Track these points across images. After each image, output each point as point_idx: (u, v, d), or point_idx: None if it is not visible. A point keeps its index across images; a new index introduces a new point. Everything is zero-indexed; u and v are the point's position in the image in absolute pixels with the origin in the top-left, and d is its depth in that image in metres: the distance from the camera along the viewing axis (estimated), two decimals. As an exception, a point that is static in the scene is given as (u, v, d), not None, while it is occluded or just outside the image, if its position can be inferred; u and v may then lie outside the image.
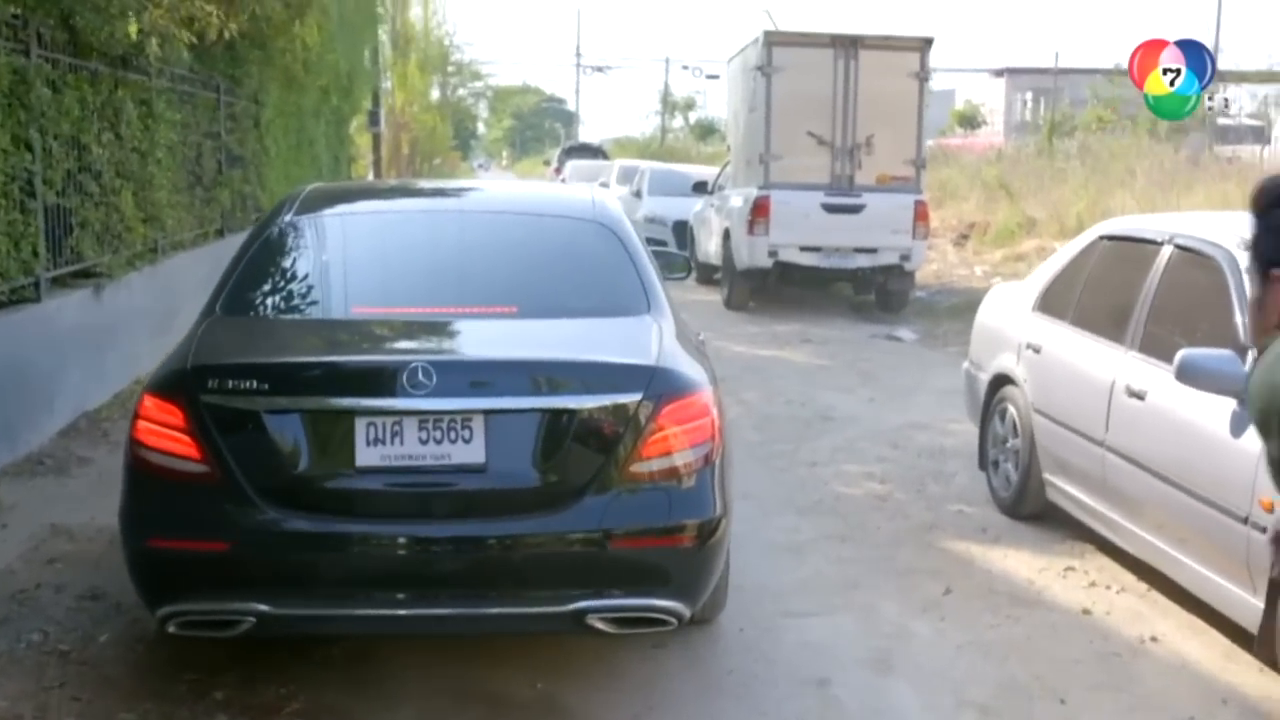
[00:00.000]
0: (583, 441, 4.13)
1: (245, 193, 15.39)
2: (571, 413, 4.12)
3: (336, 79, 23.29)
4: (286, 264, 5.15)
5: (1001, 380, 6.91)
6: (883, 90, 14.73)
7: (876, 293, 15.90)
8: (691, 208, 19.46)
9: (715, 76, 51.12)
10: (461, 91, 68.91)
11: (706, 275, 18.25)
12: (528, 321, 4.67)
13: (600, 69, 72.11)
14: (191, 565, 4.09)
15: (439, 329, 4.67)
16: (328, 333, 4.74)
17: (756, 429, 8.91)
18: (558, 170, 40.19)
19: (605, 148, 50.22)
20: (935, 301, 16.39)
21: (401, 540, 4.12)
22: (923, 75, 14.87)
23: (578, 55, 73.95)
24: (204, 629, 4.16)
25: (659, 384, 4.18)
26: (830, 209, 14.78)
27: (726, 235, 15.90)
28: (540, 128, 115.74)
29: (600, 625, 4.11)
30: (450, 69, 57.70)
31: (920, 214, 14.89)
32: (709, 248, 17.33)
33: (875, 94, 14.72)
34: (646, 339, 4.47)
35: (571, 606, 4.06)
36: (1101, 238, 6.59)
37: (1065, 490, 6.19)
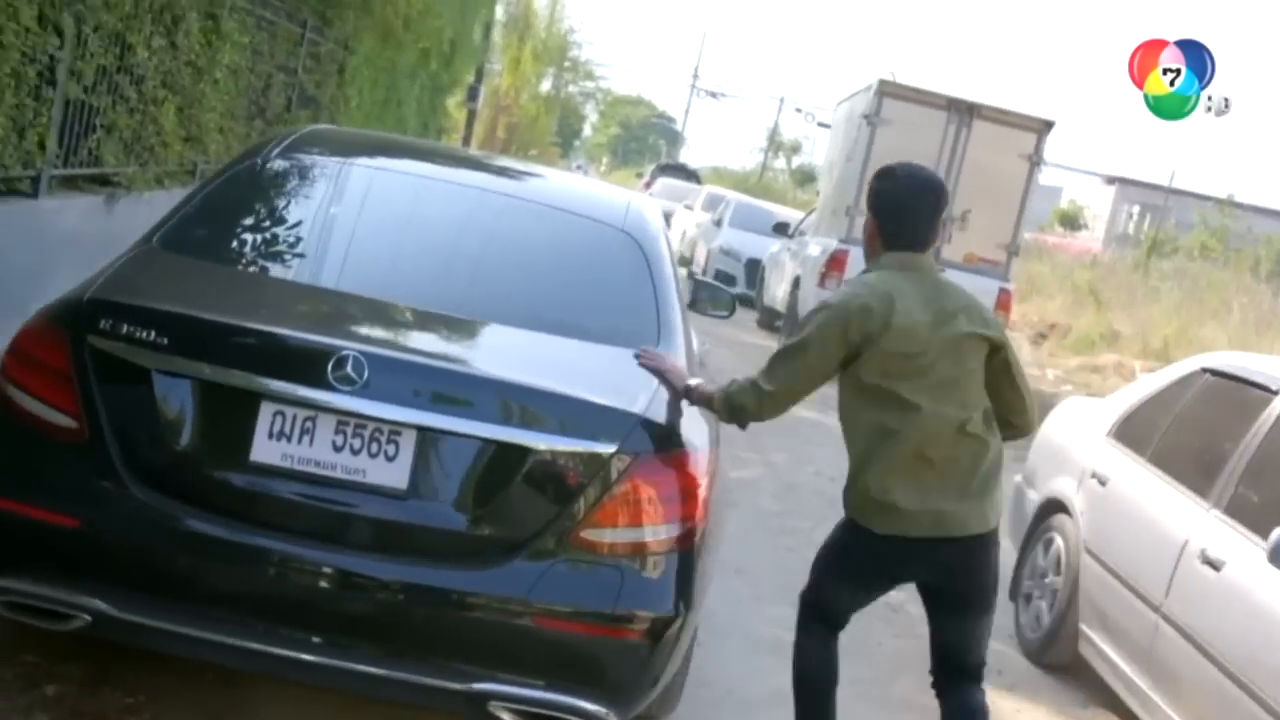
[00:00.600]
0: (532, 488, 3.35)
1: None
2: (525, 450, 3.32)
3: (439, 44, 22.77)
4: (250, 207, 4.35)
5: (1054, 506, 6.05)
6: (991, 165, 13.85)
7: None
8: (768, 248, 18.65)
9: (826, 125, 50.52)
10: (572, 89, 68.56)
11: (770, 320, 17.42)
12: (507, 330, 3.85)
13: (714, 94, 71.58)
14: (32, 536, 3.31)
15: (392, 318, 3.79)
16: (260, 294, 3.93)
17: (775, 498, 8.09)
18: (647, 185, 39.50)
19: (701, 173, 49.48)
20: (999, 397, 15.47)
21: (283, 561, 3.30)
22: (1035, 159, 13.97)
23: (694, 76, 73.66)
24: (28, 615, 3.34)
25: (641, 437, 3.40)
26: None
27: (796, 283, 15.07)
28: (644, 141, 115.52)
29: (504, 717, 3.28)
30: (565, 64, 57.27)
31: (1003, 302, 13.98)
32: (777, 292, 16.51)
33: (982, 167, 13.84)
34: (642, 379, 3.66)
35: (474, 686, 3.26)
36: (1204, 370, 5.71)
37: (1101, 649, 5.33)
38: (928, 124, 13.86)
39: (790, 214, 22.10)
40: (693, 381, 3.77)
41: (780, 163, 77.79)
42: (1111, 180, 56.22)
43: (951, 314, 3.67)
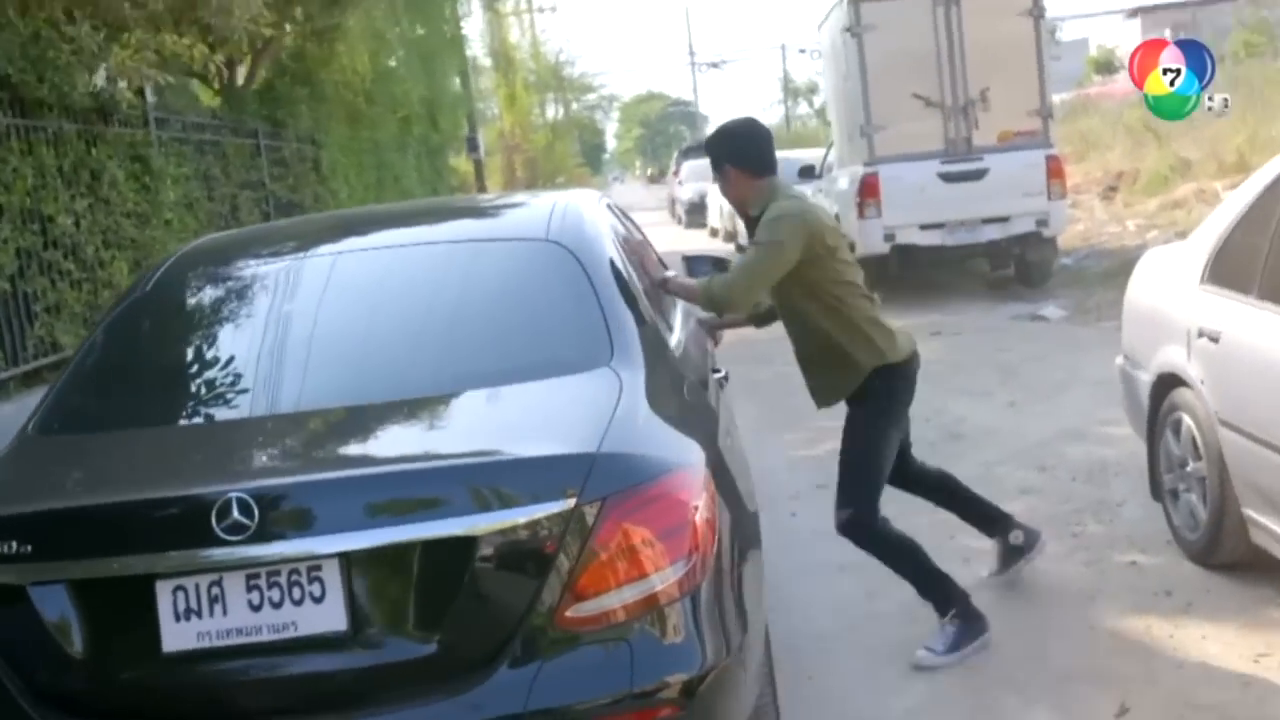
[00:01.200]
0: (494, 581, 2.73)
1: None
2: (470, 540, 2.68)
3: (414, 107, 22.17)
4: (124, 360, 3.73)
5: (1170, 382, 5.09)
6: (993, 35, 12.79)
7: (1015, 266, 13.96)
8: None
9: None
10: (576, 105, 67.98)
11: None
12: (426, 402, 3.20)
13: (715, 64, 70.82)
14: None
15: (282, 435, 3.18)
16: (133, 459, 3.23)
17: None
18: (676, 173, 38.70)
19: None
20: (1084, 268, 14.37)
21: None
22: (1036, 10, 12.85)
23: (691, 54, 72.56)
24: None
25: (604, 478, 2.72)
26: (949, 178, 12.92)
27: (837, 222, 14.16)
28: (668, 133, 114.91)
29: None
30: (557, 85, 56.63)
31: (1054, 170, 12.93)
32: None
33: (985, 41, 12.77)
34: (595, 407, 2.99)
35: None
36: (1291, 171, 4.75)
37: (1276, 531, 4.38)
38: (913, 15, 12.87)
39: (812, 155, 21.14)
40: (669, 273, 4.48)
41: (803, 108, 76.92)
42: (1134, 13, 54.21)
43: None
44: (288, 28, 12.60)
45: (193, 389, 3.59)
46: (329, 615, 2.67)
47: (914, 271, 13.97)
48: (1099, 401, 7.55)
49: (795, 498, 6.55)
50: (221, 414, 3.39)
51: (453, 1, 24.66)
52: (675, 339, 3.94)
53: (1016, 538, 4.94)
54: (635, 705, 2.69)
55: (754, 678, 3.06)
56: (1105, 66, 50.81)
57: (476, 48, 54.13)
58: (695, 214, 30.87)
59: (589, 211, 4.09)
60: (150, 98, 9.53)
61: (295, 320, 3.64)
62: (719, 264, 5.29)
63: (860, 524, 4.39)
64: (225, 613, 2.69)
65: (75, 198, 8.00)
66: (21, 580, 2.76)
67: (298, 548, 2.68)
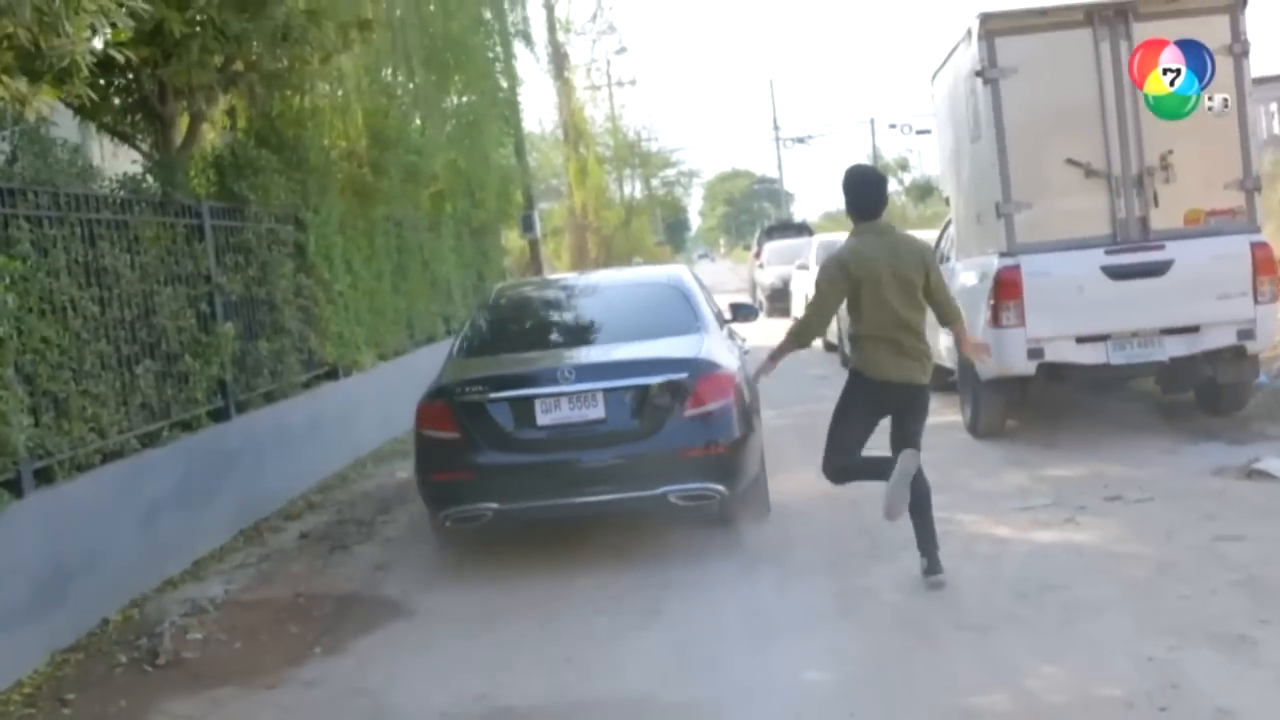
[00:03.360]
0: (661, 399, 7.47)
1: (281, 348, 11.12)
2: (648, 386, 7.48)
3: (459, 184, 19.18)
4: (486, 330, 9.17)
5: None
6: (1179, 80, 9.44)
7: (1198, 389, 10.51)
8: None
9: (926, 131, 46.15)
10: (655, 182, 65.32)
11: (939, 379, 13.14)
12: (629, 342, 8.24)
13: (800, 140, 67.59)
14: (456, 487, 7.61)
15: (574, 348, 8.53)
16: (512, 358, 8.36)
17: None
18: (757, 255, 35.50)
19: (814, 223, 45.22)
20: (1293, 390, 10.87)
21: (565, 463, 7.46)
22: (1238, 47, 9.45)
23: (775, 128, 69.58)
24: (462, 522, 7.67)
25: (698, 367, 7.59)
26: (1117, 273, 9.53)
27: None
28: (751, 210, 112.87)
29: (676, 501, 7.39)
30: (635, 160, 53.90)
31: (1263, 263, 9.49)
32: (939, 345, 12.22)
33: (1167, 88, 9.43)
34: (693, 344, 7.97)
35: (659, 489, 7.33)
36: None
37: None
38: (1068, 53, 9.60)
39: (926, 238, 17.76)
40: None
41: (892, 184, 74.16)
42: None
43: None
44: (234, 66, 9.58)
45: (526, 334, 9.14)
46: (598, 413, 7.48)
47: (1056, 389, 10.59)
48: None
49: None
50: (545, 341, 8.91)
51: (506, 61, 21.81)
52: (725, 330, 9.03)
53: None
54: (712, 447, 7.42)
55: (758, 448, 8.06)
56: None
57: (543, 118, 51.79)
58: (778, 300, 27.42)
59: (682, 272, 10.06)
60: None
61: (567, 311, 9.53)
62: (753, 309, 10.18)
63: (826, 467, 6.91)
64: (560, 411, 7.49)
65: None
66: (482, 399, 7.59)
67: (588, 387, 7.50)
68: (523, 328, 9.18)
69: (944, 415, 11.66)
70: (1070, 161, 9.61)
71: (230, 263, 10.30)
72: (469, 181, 19.41)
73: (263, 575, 8.28)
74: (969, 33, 9.94)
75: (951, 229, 12.06)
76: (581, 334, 8.80)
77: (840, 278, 6.50)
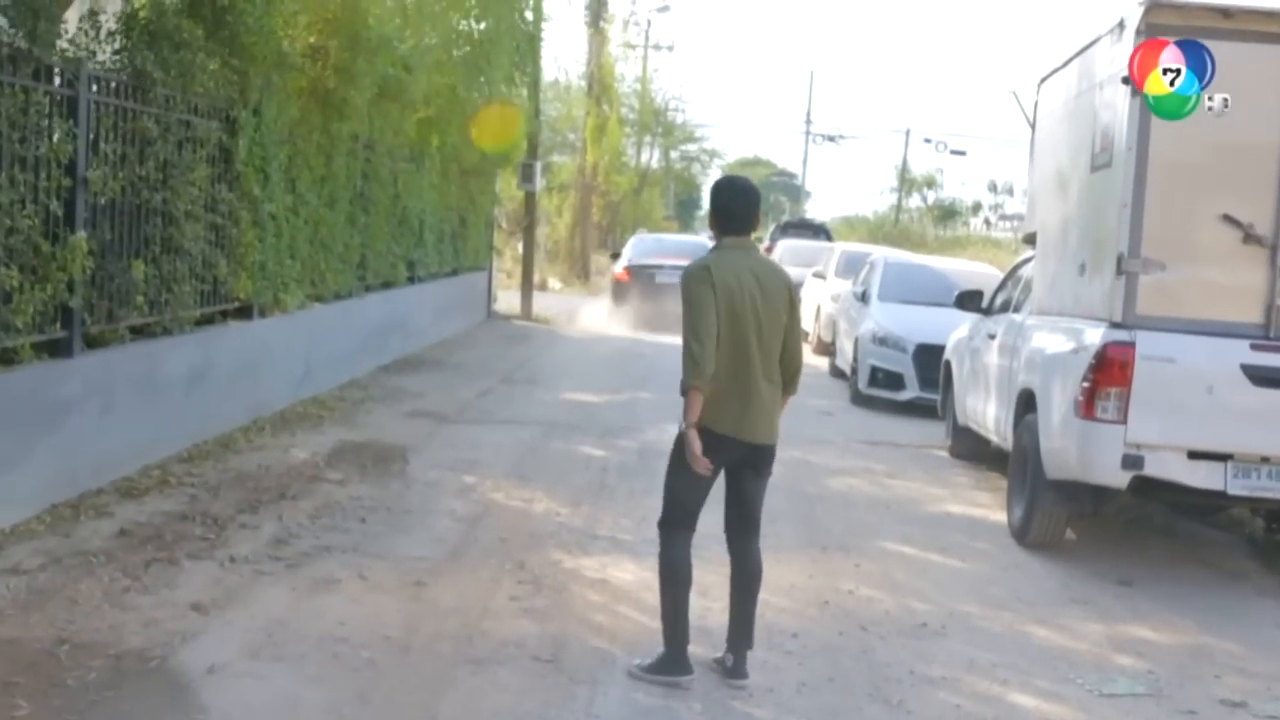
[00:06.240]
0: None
1: (170, 272, 8.72)
2: None
3: (453, 114, 16.74)
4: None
5: None
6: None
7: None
8: (950, 329, 11.96)
9: (961, 153, 44.29)
10: (674, 154, 62.77)
11: (972, 447, 10.80)
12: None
13: (832, 138, 64.94)
14: None
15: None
16: None
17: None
18: (769, 250, 33.09)
19: (830, 226, 42.76)
20: None
21: None
22: None
23: (807, 121, 66.94)
24: None
25: None
26: (1261, 377, 7.13)
27: (1028, 403, 8.37)
28: (766, 201, 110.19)
29: None
30: (658, 129, 51.33)
31: None
32: (985, 413, 9.82)
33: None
34: None
35: None
36: None
37: None
38: (1253, 72, 7.15)
39: (979, 274, 15.33)
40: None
41: (914, 200, 71.94)
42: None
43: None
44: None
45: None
46: None
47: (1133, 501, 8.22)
48: None
49: None
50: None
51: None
52: None
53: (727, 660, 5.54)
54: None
55: None
56: None
57: (569, 68, 49.18)
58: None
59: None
60: None
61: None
62: None
63: (660, 524, 5.58)
64: None
65: None
66: None
67: None
68: None
69: (980, 504, 9.34)
70: (1227, 218, 7.17)
71: (112, 154, 7.89)
72: (465, 113, 16.95)
73: (33, 592, 5.84)
74: (1119, 25, 7.46)
75: (1030, 272, 9.64)
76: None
77: (710, 284, 5.34)
